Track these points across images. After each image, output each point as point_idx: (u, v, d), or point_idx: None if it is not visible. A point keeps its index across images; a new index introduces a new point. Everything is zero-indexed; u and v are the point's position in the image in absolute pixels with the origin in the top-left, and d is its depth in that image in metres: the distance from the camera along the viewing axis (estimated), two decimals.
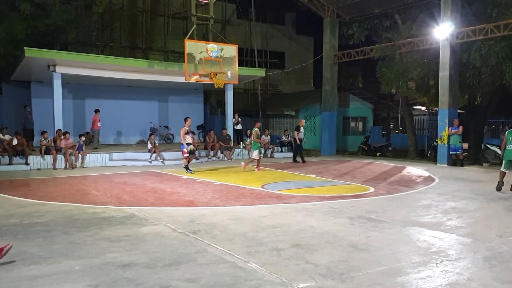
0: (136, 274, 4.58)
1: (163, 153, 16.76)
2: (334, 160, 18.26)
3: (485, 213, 7.84)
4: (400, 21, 19.69)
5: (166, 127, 22.46)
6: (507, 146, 9.96)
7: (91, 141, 18.09)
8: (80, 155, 15.18)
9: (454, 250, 5.50)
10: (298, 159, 17.09)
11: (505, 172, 10.04)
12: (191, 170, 13.42)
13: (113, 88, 20.72)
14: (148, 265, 4.86)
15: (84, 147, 15.43)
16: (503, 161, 10.12)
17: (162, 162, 16.39)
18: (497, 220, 7.24)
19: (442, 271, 4.69)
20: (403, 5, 18.96)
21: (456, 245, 5.72)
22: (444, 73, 16.09)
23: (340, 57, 20.98)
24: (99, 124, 17.84)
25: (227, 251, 5.36)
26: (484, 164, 16.04)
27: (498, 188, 10.00)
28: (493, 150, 16.08)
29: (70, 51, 18.26)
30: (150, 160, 16.21)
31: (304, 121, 18.17)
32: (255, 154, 14.42)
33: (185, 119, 13.92)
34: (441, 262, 4.99)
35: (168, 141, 22.10)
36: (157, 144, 16.91)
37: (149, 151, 16.40)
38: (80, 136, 15.70)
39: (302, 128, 17.10)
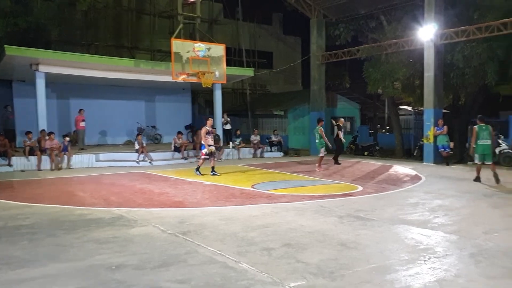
0: (126, 275, 4.55)
1: (151, 154, 16.67)
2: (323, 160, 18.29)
3: (470, 210, 7.97)
4: (386, 22, 19.87)
5: (154, 127, 22.34)
6: (478, 141, 10.82)
7: (77, 142, 17.89)
8: (65, 156, 15.02)
9: (441, 247, 5.59)
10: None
11: (481, 165, 10.90)
12: (200, 173, 12.89)
13: (99, 88, 20.51)
14: (137, 266, 4.84)
15: (69, 148, 15.26)
16: (476, 155, 10.94)
17: (150, 162, 16.30)
18: (482, 217, 7.36)
19: (430, 268, 4.76)
20: (388, 6, 19.14)
21: (443, 242, 5.80)
22: (429, 74, 16.28)
23: (327, 58, 21.10)
24: (82, 124, 17.61)
25: (218, 252, 5.36)
26: (468, 162, 16.24)
27: (477, 180, 11.01)
28: None
29: (53, 49, 17.91)
30: (137, 160, 16.10)
31: (343, 120, 17.53)
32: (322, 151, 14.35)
33: (207, 119, 13.38)
34: (429, 259, 5.06)
35: (156, 141, 21.98)
36: (144, 145, 16.81)
37: (137, 151, 16.30)
38: (64, 136, 15.52)
39: (341, 127, 16.62)
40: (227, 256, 5.19)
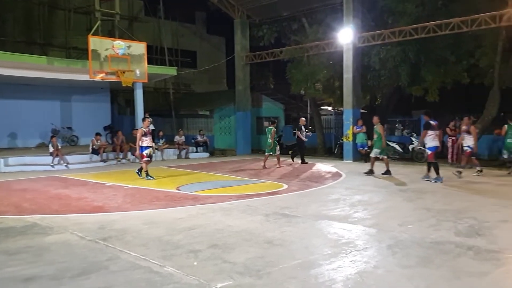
0: (41, 287, 4.23)
1: (67, 157, 15.81)
2: (249, 159, 18.51)
3: (387, 204, 8.43)
4: (307, 24, 20.46)
5: (70, 128, 21.12)
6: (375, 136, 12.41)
7: None
8: None
9: (361, 240, 5.84)
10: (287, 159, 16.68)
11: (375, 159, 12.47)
12: (151, 177, 12.05)
13: (8, 87, 18.94)
14: (54, 276, 4.53)
15: None
16: (378, 150, 12.40)
17: (66, 166, 15.44)
18: (397, 210, 7.82)
19: (351, 261, 4.95)
20: (309, 9, 19.73)
21: (363, 236, 6.07)
22: (347, 75, 17.04)
23: (252, 58, 21.32)
24: None
25: (141, 257, 5.17)
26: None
27: (370, 172, 12.50)
28: (392, 146, 17.34)
29: None
30: (52, 164, 15.19)
31: (304, 119, 17.36)
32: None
33: (143, 119, 12.64)
34: (350, 252, 5.26)
35: (72, 143, 20.80)
36: (59, 147, 15.85)
37: (51, 154, 15.36)
38: None
39: (303, 127, 16.53)
40: (151, 260, 5.02)
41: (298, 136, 16.35)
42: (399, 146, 17.26)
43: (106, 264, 4.92)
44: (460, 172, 11.80)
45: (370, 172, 12.54)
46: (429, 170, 11.31)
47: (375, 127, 12.57)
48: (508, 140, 12.86)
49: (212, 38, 32.69)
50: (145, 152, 12.11)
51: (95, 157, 16.82)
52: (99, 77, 15.83)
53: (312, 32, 19.54)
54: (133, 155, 17.52)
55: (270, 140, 15.08)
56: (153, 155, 13.06)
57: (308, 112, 28.13)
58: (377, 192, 9.79)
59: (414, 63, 16.79)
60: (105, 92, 22.80)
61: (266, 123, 25.54)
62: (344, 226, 6.58)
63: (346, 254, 5.20)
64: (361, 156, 16.57)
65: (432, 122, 11.14)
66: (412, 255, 5.14)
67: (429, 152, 11.18)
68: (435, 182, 10.91)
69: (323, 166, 15.26)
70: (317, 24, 19.70)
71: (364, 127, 16.23)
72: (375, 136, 12.53)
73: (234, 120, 22.77)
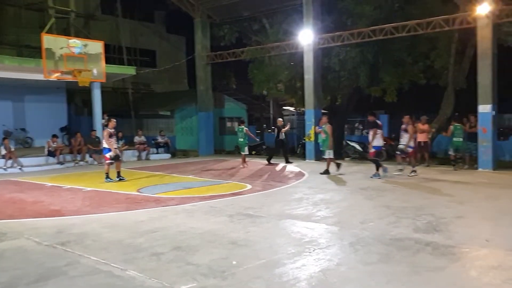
0: None
1: (21, 159, 15.20)
2: (212, 160, 18.40)
3: (348, 203, 8.59)
4: (268, 25, 20.58)
5: (23, 129, 20.30)
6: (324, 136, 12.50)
7: None
8: None
9: (324, 238, 5.92)
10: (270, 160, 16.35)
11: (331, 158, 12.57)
12: (111, 179, 11.74)
13: None
14: (9, 284, 4.34)
15: None
16: (331, 150, 12.50)
17: (20, 169, 14.86)
18: (359, 208, 7.97)
19: (314, 259, 5.00)
20: (270, 10, 19.82)
21: (326, 234, 6.15)
22: (308, 76, 17.24)
23: (213, 58, 21.21)
24: None
25: (102, 261, 5.03)
26: (346, 158, 17.57)
27: (325, 172, 12.49)
28: (352, 146, 17.71)
29: None
30: (5, 167, 14.57)
31: (281, 120, 17.30)
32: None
33: (109, 120, 12.23)
34: (313, 250, 5.32)
35: (26, 145, 20.01)
36: (12, 149, 15.21)
37: (3, 157, 14.74)
38: None
39: (281, 127, 16.36)
40: (112, 264, 4.89)
41: (278, 137, 16.28)
42: (359, 146, 17.65)
43: (64, 270, 4.76)
44: (414, 172, 12.04)
45: (326, 172, 12.60)
46: (377, 168, 11.76)
47: (323, 127, 12.72)
48: (454, 139, 13.72)
49: (172, 37, 32.27)
50: (108, 154, 11.80)
51: (51, 159, 16.26)
52: (54, 76, 15.30)
53: (273, 33, 19.66)
54: (91, 156, 17.07)
55: (241, 140, 15.31)
56: (120, 155, 12.70)
57: (271, 112, 28.29)
58: (338, 191, 9.97)
59: (373, 64, 17.22)
60: (61, 92, 22.04)
61: (229, 124, 25.62)
62: (307, 225, 6.65)
63: (310, 252, 5.25)
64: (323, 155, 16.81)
65: (379, 122, 11.87)
66: (373, 251, 5.25)
67: (373, 150, 11.73)
68: (374, 178, 11.53)
69: (286, 166, 15.36)
70: (278, 25, 19.84)
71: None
72: (323, 136, 12.62)
73: (196, 120, 22.57)
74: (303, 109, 20.02)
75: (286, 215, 7.37)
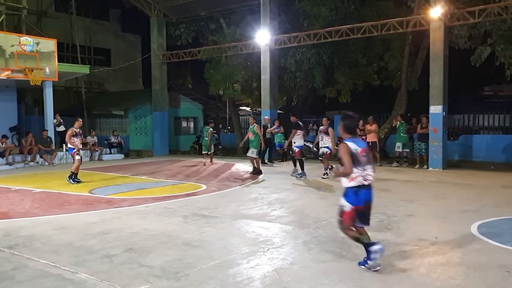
0: None
1: None
2: (167, 160, 18.18)
3: (303, 202, 8.74)
4: (225, 25, 20.58)
5: None
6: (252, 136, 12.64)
7: None
8: None
9: (279, 238, 5.99)
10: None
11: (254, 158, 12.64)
12: (77, 181, 11.38)
13: None
14: None
15: None
16: (255, 150, 12.54)
17: None
18: (312, 208, 8.12)
19: (269, 259, 5.06)
20: (227, 9, 19.86)
21: (280, 233, 6.23)
22: (265, 76, 17.40)
23: (169, 57, 20.97)
24: None
25: (52, 264, 4.88)
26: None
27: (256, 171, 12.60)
28: (307, 146, 17.97)
29: None
30: None
31: (267, 118, 16.87)
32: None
33: (76, 119, 11.86)
34: (267, 250, 5.38)
35: None
36: None
37: None
38: None
39: (268, 126, 16.12)
40: (62, 267, 4.77)
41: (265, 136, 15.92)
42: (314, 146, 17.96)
43: (11, 274, 4.60)
44: (326, 174, 11.91)
45: (256, 171, 12.71)
46: (295, 165, 12.34)
47: (251, 127, 12.84)
48: (401, 134, 14.63)
49: (128, 36, 31.62)
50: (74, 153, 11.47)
51: (0, 160, 15.55)
52: (4, 75, 14.84)
53: (230, 33, 19.68)
54: (41, 157, 16.47)
55: (207, 139, 15.62)
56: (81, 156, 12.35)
57: (227, 112, 28.27)
58: (293, 190, 10.12)
59: (328, 65, 17.55)
60: (11, 91, 21.05)
61: (184, 124, 25.39)
62: (262, 225, 6.71)
63: (264, 252, 5.31)
64: (279, 155, 16.99)
65: (300, 123, 12.35)
66: (326, 250, 5.38)
67: (296, 149, 12.11)
68: (300, 177, 11.91)
69: (242, 166, 15.43)
70: (235, 25, 19.88)
71: (281, 127, 16.63)
72: (251, 136, 12.70)
73: (150, 120, 22.22)
74: (259, 109, 20.16)
75: (241, 215, 7.41)
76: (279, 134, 16.57)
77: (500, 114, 17.83)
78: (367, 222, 4.67)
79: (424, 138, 14.06)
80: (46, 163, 16.38)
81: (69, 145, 11.61)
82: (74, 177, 11.44)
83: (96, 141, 18.94)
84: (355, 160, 4.45)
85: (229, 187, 10.68)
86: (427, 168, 13.91)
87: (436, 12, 13.62)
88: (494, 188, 10.27)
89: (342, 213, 4.61)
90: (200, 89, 26.84)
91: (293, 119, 12.46)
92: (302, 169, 12.06)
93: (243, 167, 15.20)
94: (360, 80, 18.24)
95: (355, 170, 4.44)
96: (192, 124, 25.78)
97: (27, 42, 15.27)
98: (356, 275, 4.50)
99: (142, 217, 7.36)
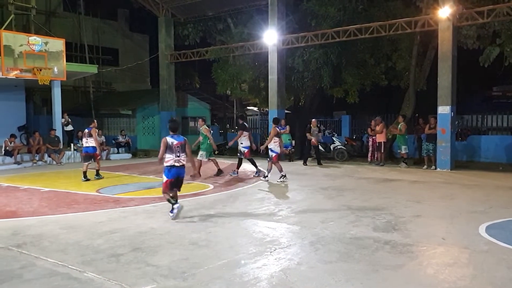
0: None
1: None
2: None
3: (310, 202, 8.71)
4: (233, 25, 20.59)
5: None
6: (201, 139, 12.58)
7: None
8: None
9: (286, 238, 5.98)
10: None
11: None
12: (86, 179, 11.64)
13: None
14: None
15: None
16: (204, 152, 12.44)
17: None
18: (319, 208, 8.09)
19: (275, 259, 5.05)
20: (235, 9, 19.87)
21: (287, 233, 6.22)
22: (272, 76, 17.38)
23: (177, 57, 21.02)
24: None
25: (59, 263, 4.91)
26: (308, 158, 17.77)
27: (219, 172, 12.62)
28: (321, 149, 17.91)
29: None
30: None
31: (315, 120, 16.55)
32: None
33: (92, 121, 12.29)
34: (274, 250, 5.37)
35: None
36: None
37: None
38: None
39: (314, 129, 15.94)
40: (70, 266, 4.79)
41: (308, 139, 15.94)
42: (321, 146, 17.90)
43: (19, 273, 4.62)
44: (265, 177, 11.64)
45: (219, 172, 12.67)
46: (256, 167, 12.41)
47: (200, 129, 12.74)
48: (402, 135, 14.59)
49: (135, 36, 31.81)
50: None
51: (8, 159, 15.69)
52: (12, 74, 14.95)
53: (237, 33, 19.69)
54: (50, 156, 16.59)
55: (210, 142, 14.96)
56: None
57: (234, 112, 28.28)
58: (300, 190, 10.09)
59: (336, 65, 17.48)
60: (19, 90, 21.27)
61: (191, 123, 25.41)
62: (269, 225, 6.70)
63: (271, 252, 5.30)
64: (286, 155, 16.97)
65: (246, 124, 12.66)
66: (333, 250, 5.35)
67: (245, 150, 12.28)
68: (257, 175, 12.11)
69: (248, 166, 15.36)
70: (242, 25, 19.88)
71: (287, 128, 16.61)
72: (200, 139, 12.59)
73: (158, 119, 22.31)
74: (266, 109, 20.14)
75: (248, 215, 7.41)
76: (285, 134, 16.55)
77: (509, 114, 17.69)
78: (178, 189, 7.28)
79: (432, 138, 13.96)
80: (54, 162, 16.49)
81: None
82: (96, 174, 12.12)
83: (104, 140, 19.02)
84: (168, 149, 7.03)
85: (236, 187, 10.68)
86: (435, 168, 13.82)
87: (444, 12, 13.54)
88: (502, 189, 10.18)
89: (163, 183, 7.02)
90: (207, 89, 26.91)
91: (240, 121, 12.77)
92: (256, 167, 12.33)
93: (250, 167, 15.14)
94: (368, 80, 18.16)
95: (168, 155, 7.04)
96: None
97: (36, 41, 15.39)
98: (363, 276, 4.48)
99: (149, 216, 7.39)
